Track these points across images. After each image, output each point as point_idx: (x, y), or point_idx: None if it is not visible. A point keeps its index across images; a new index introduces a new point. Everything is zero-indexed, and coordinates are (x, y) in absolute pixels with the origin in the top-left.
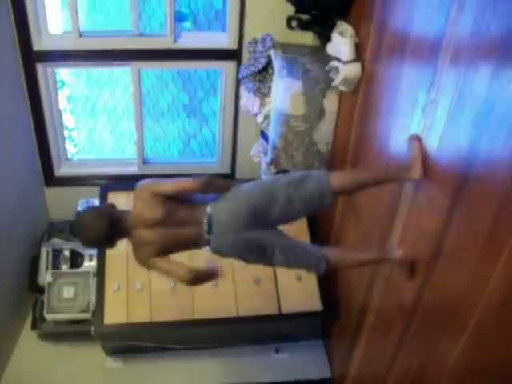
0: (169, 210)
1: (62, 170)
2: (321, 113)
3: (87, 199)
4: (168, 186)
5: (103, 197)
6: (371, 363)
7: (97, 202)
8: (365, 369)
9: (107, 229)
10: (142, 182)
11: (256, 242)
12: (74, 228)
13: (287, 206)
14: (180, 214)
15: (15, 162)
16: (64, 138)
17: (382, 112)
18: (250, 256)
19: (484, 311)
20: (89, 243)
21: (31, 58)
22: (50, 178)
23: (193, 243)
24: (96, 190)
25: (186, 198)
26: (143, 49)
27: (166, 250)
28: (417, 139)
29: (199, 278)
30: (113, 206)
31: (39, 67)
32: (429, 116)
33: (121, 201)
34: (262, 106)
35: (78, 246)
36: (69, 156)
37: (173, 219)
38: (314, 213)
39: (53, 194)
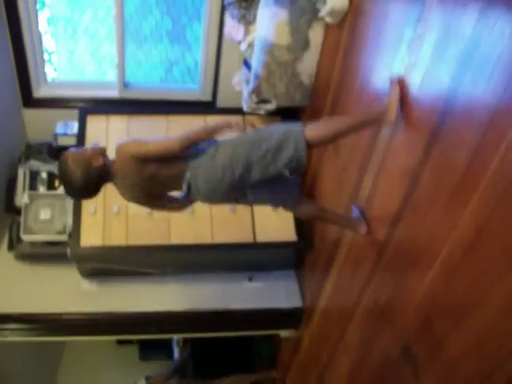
0: (149, 174)
1: (40, 92)
2: (305, 44)
3: (65, 121)
4: (150, 149)
5: (82, 119)
6: (341, 294)
7: (75, 126)
8: (335, 299)
9: (98, 188)
10: (123, 143)
11: (232, 200)
12: (66, 185)
13: (263, 174)
14: (163, 173)
15: None
16: (43, 60)
17: (367, 46)
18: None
19: (453, 249)
20: (73, 195)
21: None
22: (29, 100)
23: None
24: (75, 112)
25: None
26: None
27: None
28: (397, 83)
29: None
30: (103, 150)
31: None
32: (414, 52)
33: (99, 125)
34: (246, 33)
35: (55, 168)
36: (49, 79)
37: (153, 181)
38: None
39: (31, 116)
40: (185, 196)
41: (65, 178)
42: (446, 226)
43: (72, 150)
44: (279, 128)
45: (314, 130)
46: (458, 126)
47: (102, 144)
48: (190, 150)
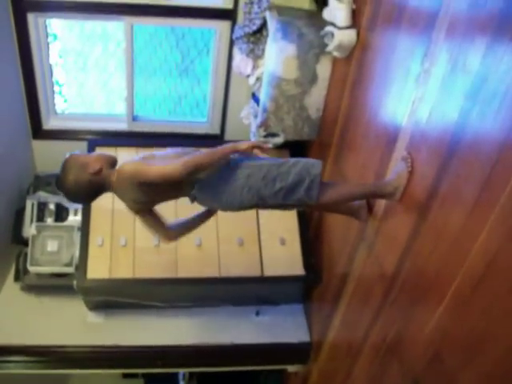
0: (151, 198)
1: (50, 123)
2: (313, 78)
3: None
4: (152, 175)
5: (91, 152)
6: (349, 329)
7: None
8: (343, 335)
9: (91, 195)
10: (126, 165)
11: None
12: (57, 183)
13: (270, 206)
14: (162, 195)
15: (3, 113)
16: (53, 92)
17: (374, 80)
18: None
19: (462, 283)
20: (69, 199)
21: (22, 7)
22: (38, 131)
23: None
24: (84, 144)
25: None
26: (137, 3)
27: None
28: (410, 162)
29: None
30: (114, 160)
31: (30, 17)
32: (421, 86)
33: None
34: (254, 67)
35: (63, 200)
36: (58, 111)
37: (155, 202)
38: None
39: (40, 147)
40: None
41: (60, 177)
42: (455, 260)
43: (77, 152)
44: (296, 166)
45: (330, 189)
46: (466, 160)
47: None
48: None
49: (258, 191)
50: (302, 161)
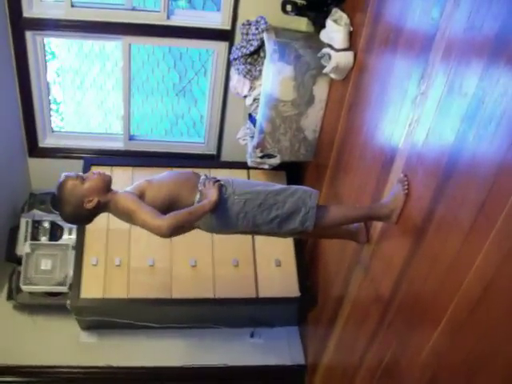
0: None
1: (46, 141)
2: (310, 99)
3: (70, 173)
4: (138, 218)
5: (86, 170)
6: (345, 352)
7: None
8: (338, 357)
9: (89, 220)
10: (123, 197)
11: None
12: (54, 207)
13: (265, 233)
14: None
15: None
16: (50, 110)
17: (371, 102)
18: None
19: (459, 306)
20: (68, 221)
21: (21, 25)
22: (34, 149)
23: None
24: (80, 162)
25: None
26: (135, 23)
27: None
28: (404, 188)
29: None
30: (97, 205)
31: (28, 35)
32: (418, 108)
33: None
34: (251, 88)
35: (58, 219)
36: (55, 129)
37: None
38: None
39: (36, 165)
40: None
41: (58, 204)
42: (451, 283)
43: (72, 176)
44: (294, 196)
45: (325, 214)
46: (462, 182)
47: None
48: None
49: (254, 218)
50: (300, 190)
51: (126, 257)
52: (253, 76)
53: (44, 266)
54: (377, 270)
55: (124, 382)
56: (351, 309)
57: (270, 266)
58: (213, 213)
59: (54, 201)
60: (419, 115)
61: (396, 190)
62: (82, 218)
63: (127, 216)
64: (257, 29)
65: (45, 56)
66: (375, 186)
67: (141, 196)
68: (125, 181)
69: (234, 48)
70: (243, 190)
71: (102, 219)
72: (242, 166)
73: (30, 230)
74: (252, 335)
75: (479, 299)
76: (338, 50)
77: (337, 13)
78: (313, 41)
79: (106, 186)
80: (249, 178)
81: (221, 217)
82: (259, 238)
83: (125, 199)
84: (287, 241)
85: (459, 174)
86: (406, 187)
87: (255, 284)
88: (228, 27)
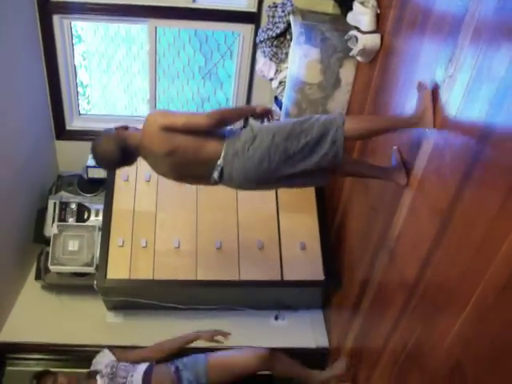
0: (177, 146)
1: (73, 124)
2: (336, 82)
3: None
4: (179, 121)
5: None
6: (369, 336)
7: None
8: (362, 341)
9: (119, 154)
10: (152, 113)
11: (260, 188)
12: (92, 156)
13: (298, 166)
14: (189, 152)
15: (28, 113)
16: (77, 93)
17: (398, 85)
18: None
19: (485, 291)
20: (107, 168)
21: (48, 9)
22: (61, 131)
23: (200, 179)
24: None
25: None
26: (161, 6)
27: (173, 179)
28: (426, 87)
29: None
30: (125, 128)
31: (55, 19)
32: (446, 92)
33: None
34: (277, 71)
35: (85, 200)
36: (82, 112)
37: (181, 156)
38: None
39: (63, 148)
40: (216, 182)
41: (93, 150)
42: (478, 267)
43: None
44: (318, 120)
45: (353, 124)
46: (490, 166)
47: (131, 176)
48: (221, 131)
49: (285, 149)
50: (324, 116)
51: (151, 238)
52: (279, 59)
53: (71, 247)
54: (402, 254)
55: None
56: (375, 293)
57: (295, 248)
58: (247, 150)
59: (92, 150)
60: (447, 98)
61: (420, 95)
62: (113, 147)
63: (159, 126)
64: (283, 11)
65: (72, 39)
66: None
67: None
68: None
69: (260, 30)
70: (270, 127)
71: (128, 201)
72: None
73: (57, 211)
74: (276, 318)
75: (506, 285)
76: (364, 33)
77: None
78: (339, 23)
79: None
80: None
81: (253, 156)
82: (284, 221)
83: (154, 112)
84: (313, 223)
85: (487, 158)
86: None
87: (280, 267)
88: (254, 9)
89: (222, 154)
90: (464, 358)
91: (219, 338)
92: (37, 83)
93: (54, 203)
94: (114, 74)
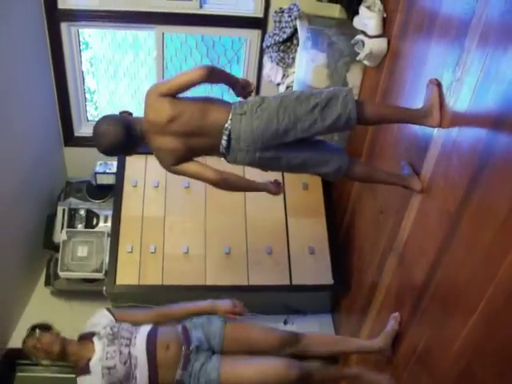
0: (177, 112)
1: (81, 131)
2: (344, 86)
3: (105, 161)
4: (173, 83)
5: (121, 159)
6: None
7: (114, 165)
8: None
9: (122, 134)
10: (149, 87)
11: (271, 161)
12: (93, 137)
13: (310, 129)
14: (195, 118)
15: (36, 120)
16: (85, 99)
17: (405, 89)
18: (266, 168)
19: (494, 295)
20: (107, 149)
21: (56, 17)
22: (70, 138)
23: (209, 151)
24: None
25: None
26: (168, 12)
27: (183, 157)
28: (436, 84)
29: (229, 181)
30: (129, 114)
31: (63, 26)
32: (453, 95)
33: (138, 164)
34: (284, 76)
35: (93, 207)
36: (90, 118)
37: (188, 119)
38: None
39: (71, 154)
40: (225, 152)
41: (95, 134)
42: (487, 271)
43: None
44: (327, 89)
45: (367, 102)
46: (498, 169)
47: (139, 182)
48: (227, 101)
49: (294, 110)
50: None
51: (160, 244)
52: (286, 63)
53: (80, 253)
54: (411, 257)
55: None
56: (385, 296)
57: (303, 253)
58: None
59: (94, 133)
60: (454, 102)
61: (428, 92)
62: (118, 131)
63: (164, 100)
64: (289, 16)
65: (79, 46)
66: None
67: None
68: (159, 169)
69: (266, 36)
70: (277, 94)
71: (137, 206)
72: None
73: (66, 217)
74: (285, 322)
75: None
76: (371, 37)
77: None
78: (346, 28)
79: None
80: None
81: (261, 115)
82: (293, 225)
83: (151, 85)
84: (321, 227)
85: (495, 162)
86: (436, 85)
87: (289, 271)
88: (261, 15)
89: (230, 117)
90: (473, 362)
91: (239, 309)
92: (45, 90)
93: (63, 209)
94: (122, 80)
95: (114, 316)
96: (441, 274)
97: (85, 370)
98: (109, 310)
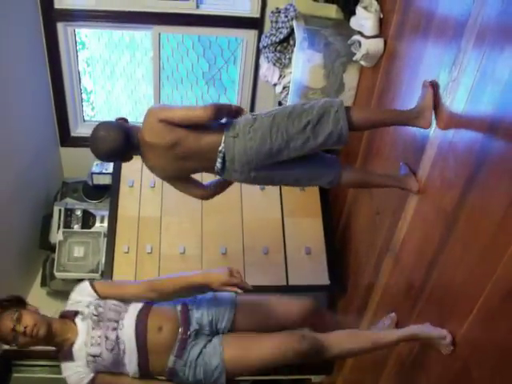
0: (177, 139)
1: (78, 131)
2: (340, 87)
3: (101, 162)
4: (177, 114)
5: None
6: None
7: (111, 165)
8: None
9: (122, 140)
10: (151, 107)
11: (266, 179)
12: (91, 143)
13: (303, 147)
14: (190, 143)
15: (32, 120)
16: (81, 99)
17: (402, 89)
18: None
19: (491, 294)
20: (105, 154)
21: (52, 17)
22: (66, 138)
23: (203, 171)
24: None
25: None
26: (165, 12)
27: (176, 178)
28: (431, 85)
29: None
30: (125, 120)
31: (60, 26)
32: (449, 96)
33: (134, 165)
34: (281, 76)
35: (90, 207)
36: (86, 118)
37: (182, 148)
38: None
39: (68, 154)
40: (220, 172)
41: (92, 140)
42: (484, 271)
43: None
44: (318, 102)
45: (358, 110)
46: (495, 170)
47: (136, 182)
48: (219, 124)
49: (286, 128)
50: (324, 99)
51: (157, 244)
52: (282, 64)
53: (77, 254)
54: (407, 258)
55: None
56: (381, 297)
57: (300, 253)
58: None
59: (92, 138)
60: (451, 102)
61: (422, 94)
62: (114, 136)
63: (159, 119)
64: (286, 16)
65: (76, 46)
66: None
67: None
68: None
69: (263, 36)
70: (269, 111)
71: (134, 206)
72: None
73: (62, 218)
74: None
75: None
76: (368, 37)
77: None
78: (342, 28)
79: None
80: None
81: (254, 136)
82: (289, 226)
83: (153, 107)
84: (318, 228)
85: (492, 162)
86: (430, 86)
87: (285, 271)
88: (257, 15)
89: (223, 139)
90: (470, 361)
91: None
92: (41, 90)
93: (60, 210)
94: (118, 80)
95: (96, 292)
96: (437, 274)
97: (68, 356)
98: (91, 283)
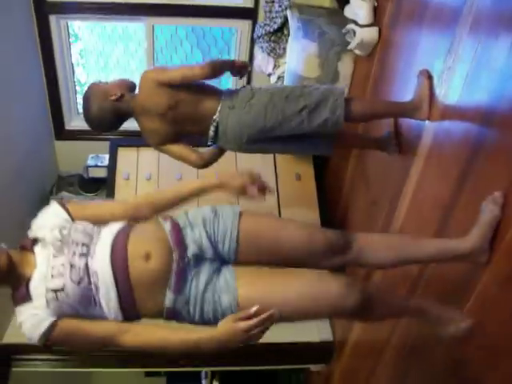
0: (174, 101)
1: (72, 124)
2: (335, 76)
3: (97, 154)
4: (174, 74)
5: (113, 152)
6: (373, 329)
7: (106, 158)
8: (366, 334)
9: (114, 122)
10: (146, 71)
11: (259, 151)
12: (82, 106)
13: (296, 129)
14: (187, 106)
15: (26, 114)
16: (75, 91)
17: (396, 78)
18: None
19: (488, 283)
20: (95, 128)
21: (44, 10)
22: (61, 131)
23: (197, 136)
24: (106, 144)
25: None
26: (158, 3)
27: (171, 140)
28: (427, 77)
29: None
30: (133, 84)
31: (52, 19)
32: (445, 84)
33: (130, 157)
34: (276, 66)
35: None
36: (80, 111)
37: (179, 110)
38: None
39: (63, 148)
40: (213, 140)
41: (84, 108)
42: None
43: (96, 81)
44: (319, 89)
45: (358, 103)
46: (490, 158)
47: (131, 175)
48: (219, 89)
49: (283, 109)
50: (325, 86)
51: None
52: (277, 54)
53: None
54: None
55: (154, 360)
56: (378, 285)
57: None
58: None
59: (83, 108)
60: (446, 90)
61: (418, 83)
62: (107, 116)
63: (156, 83)
64: (280, 6)
65: (69, 39)
66: (401, 163)
67: None
68: (151, 162)
69: (257, 26)
70: (269, 88)
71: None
72: None
73: None
74: None
75: (509, 275)
76: (362, 26)
77: None
78: (337, 17)
79: (130, 85)
80: (274, 160)
81: (250, 111)
82: (285, 215)
83: (149, 69)
84: (314, 218)
85: (488, 150)
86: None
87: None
88: (251, 5)
89: (219, 109)
90: (467, 351)
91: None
92: (35, 83)
93: None
94: (112, 72)
95: (69, 213)
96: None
97: (24, 297)
98: (61, 203)
